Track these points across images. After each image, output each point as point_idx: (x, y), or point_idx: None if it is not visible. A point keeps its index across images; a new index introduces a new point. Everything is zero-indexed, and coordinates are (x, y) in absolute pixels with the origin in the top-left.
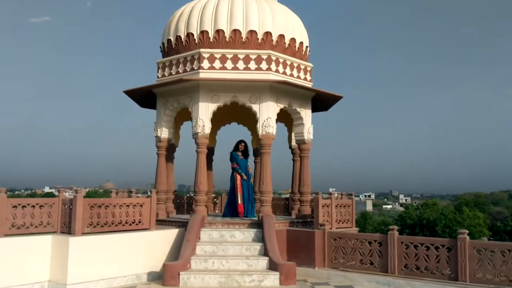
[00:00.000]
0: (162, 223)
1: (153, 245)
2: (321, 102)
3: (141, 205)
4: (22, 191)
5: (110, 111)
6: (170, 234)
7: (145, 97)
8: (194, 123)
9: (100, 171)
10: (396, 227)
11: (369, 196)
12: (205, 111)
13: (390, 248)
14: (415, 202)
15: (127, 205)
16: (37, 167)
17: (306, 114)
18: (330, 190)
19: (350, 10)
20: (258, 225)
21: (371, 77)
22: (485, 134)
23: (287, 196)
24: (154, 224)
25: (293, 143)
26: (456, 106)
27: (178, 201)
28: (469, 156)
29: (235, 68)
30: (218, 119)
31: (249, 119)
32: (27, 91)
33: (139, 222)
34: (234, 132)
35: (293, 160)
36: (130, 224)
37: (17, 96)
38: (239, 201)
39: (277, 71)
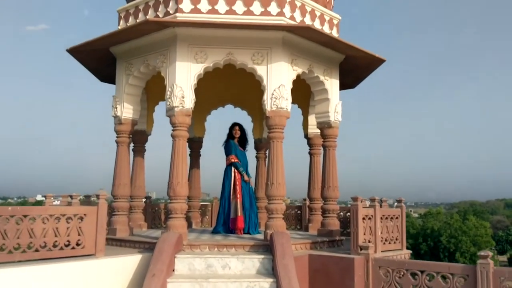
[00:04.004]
0: (121, 244)
1: (100, 282)
2: (350, 72)
3: (81, 218)
4: (15, 199)
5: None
6: (128, 264)
7: (103, 63)
8: (168, 93)
9: (96, 179)
10: (490, 253)
11: None
12: (185, 74)
13: (483, 287)
14: (411, 211)
15: (57, 218)
16: (30, 175)
17: (332, 85)
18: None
19: None
20: (266, 248)
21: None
22: (480, 143)
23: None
24: (103, 247)
25: (310, 130)
26: (453, 114)
27: (153, 210)
28: (463, 165)
29: (230, 12)
30: (208, 99)
31: (251, 99)
32: (23, 99)
33: (78, 244)
34: (230, 118)
35: (310, 153)
36: (61, 249)
37: (13, 103)
38: (239, 212)
39: (292, 18)
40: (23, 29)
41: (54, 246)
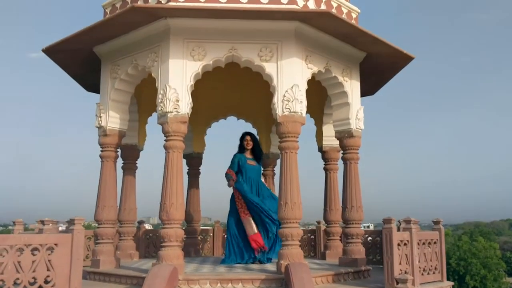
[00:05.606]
0: (104, 278)
1: None
2: (370, 75)
3: (51, 249)
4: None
5: None
6: None
7: (87, 67)
8: (160, 96)
9: None
10: None
11: (368, 226)
12: (180, 74)
13: None
14: None
15: (20, 249)
16: (33, 201)
17: (352, 87)
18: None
19: None
20: (280, 282)
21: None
22: (483, 163)
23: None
24: (79, 284)
25: (325, 142)
26: (454, 135)
27: (146, 237)
28: (467, 185)
29: (233, 0)
30: (207, 109)
31: (256, 109)
32: (24, 126)
33: (47, 282)
34: (231, 131)
35: (326, 169)
36: None
37: (14, 130)
38: (255, 229)
39: (305, 8)
40: (24, 56)
41: (15, 284)
